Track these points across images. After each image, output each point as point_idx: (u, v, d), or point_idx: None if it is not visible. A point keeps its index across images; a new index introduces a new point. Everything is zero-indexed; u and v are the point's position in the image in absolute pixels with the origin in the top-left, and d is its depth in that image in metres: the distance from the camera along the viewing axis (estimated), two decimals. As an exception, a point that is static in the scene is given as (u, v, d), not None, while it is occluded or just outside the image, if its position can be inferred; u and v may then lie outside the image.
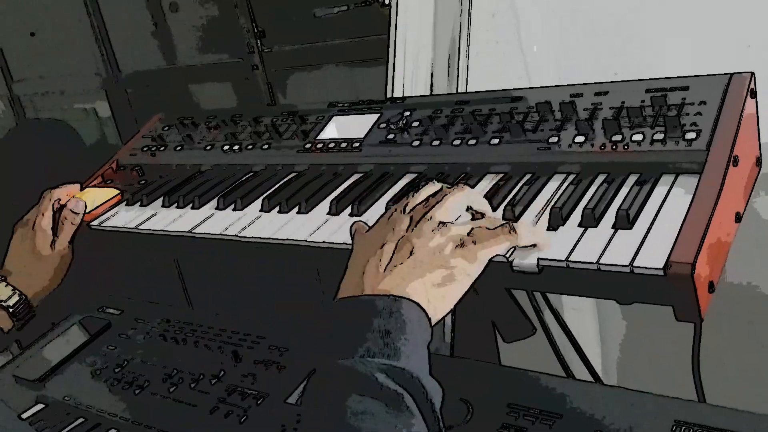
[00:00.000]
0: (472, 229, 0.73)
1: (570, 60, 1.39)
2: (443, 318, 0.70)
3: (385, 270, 0.69)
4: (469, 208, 0.79)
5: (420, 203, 0.76)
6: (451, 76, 1.37)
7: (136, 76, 2.54)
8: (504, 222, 0.75)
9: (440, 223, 0.72)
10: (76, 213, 1.25)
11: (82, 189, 1.36)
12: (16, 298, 1.21)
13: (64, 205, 1.27)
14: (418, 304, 0.67)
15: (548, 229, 0.83)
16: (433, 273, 0.69)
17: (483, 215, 0.80)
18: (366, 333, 0.64)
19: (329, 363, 0.64)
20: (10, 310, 1.20)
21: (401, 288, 0.67)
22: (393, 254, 0.70)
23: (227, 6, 2.15)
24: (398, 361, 0.63)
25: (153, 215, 1.20)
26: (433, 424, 0.62)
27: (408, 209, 0.75)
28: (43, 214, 1.25)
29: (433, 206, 0.74)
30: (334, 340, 0.66)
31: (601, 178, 0.91)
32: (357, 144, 1.15)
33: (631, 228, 0.78)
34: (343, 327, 0.66)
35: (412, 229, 0.72)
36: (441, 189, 0.78)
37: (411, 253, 0.69)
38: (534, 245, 0.76)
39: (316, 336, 0.71)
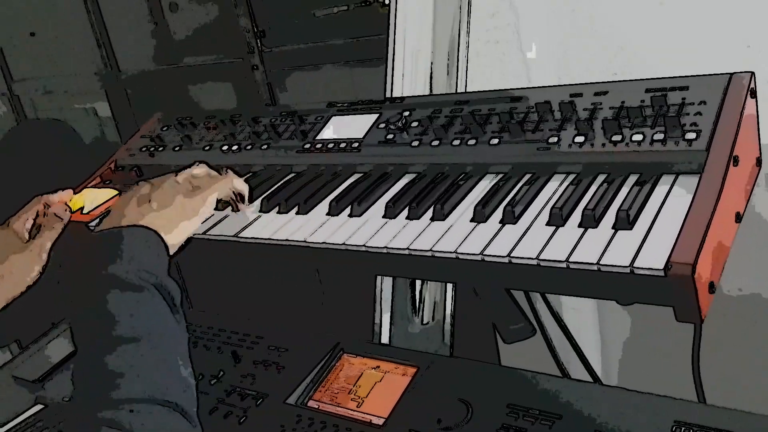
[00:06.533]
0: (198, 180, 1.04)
1: (570, 60, 1.39)
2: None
3: (130, 213, 0.95)
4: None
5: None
6: (450, 76, 1.37)
7: (136, 76, 2.53)
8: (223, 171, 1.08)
9: (174, 181, 1.02)
10: (59, 218, 1.20)
11: (80, 190, 1.35)
12: None
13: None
14: (156, 232, 0.92)
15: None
16: (170, 213, 0.97)
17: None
18: (118, 251, 0.87)
19: (91, 272, 0.86)
20: None
21: (144, 222, 0.93)
22: (138, 202, 0.97)
23: (227, 6, 2.14)
24: (140, 269, 0.85)
25: (152, 215, 1.19)
26: (174, 310, 0.85)
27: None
28: (19, 216, 1.19)
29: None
30: (96, 259, 0.87)
31: (601, 178, 0.91)
32: (356, 144, 1.15)
33: (631, 228, 0.78)
34: (102, 249, 0.89)
35: (155, 186, 1.01)
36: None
37: (150, 201, 0.97)
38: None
39: (81, 254, 0.92)
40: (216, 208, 1.05)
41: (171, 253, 0.94)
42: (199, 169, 1.07)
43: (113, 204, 1.03)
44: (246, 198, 1.10)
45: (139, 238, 0.91)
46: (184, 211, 0.99)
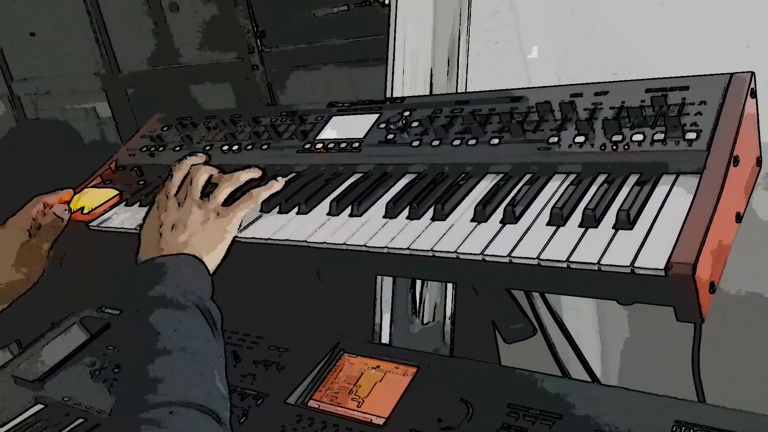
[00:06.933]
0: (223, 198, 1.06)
1: (570, 60, 1.39)
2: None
3: (168, 241, 0.99)
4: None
5: (179, 187, 1.07)
6: (450, 76, 1.37)
7: (136, 76, 2.53)
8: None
9: (201, 199, 1.05)
10: (59, 218, 1.20)
11: (80, 190, 1.35)
12: None
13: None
14: (197, 257, 0.97)
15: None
16: (204, 236, 1.00)
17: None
18: (163, 277, 0.92)
19: (139, 294, 0.91)
20: None
21: (184, 249, 0.97)
22: (171, 230, 1.00)
23: (227, 6, 2.14)
24: (185, 291, 0.90)
25: (153, 215, 1.19)
26: (215, 330, 0.90)
27: (171, 194, 1.06)
28: (20, 216, 1.19)
29: (189, 186, 1.06)
30: (145, 282, 0.92)
31: (601, 178, 0.91)
32: (356, 144, 1.15)
33: (631, 228, 0.78)
34: (146, 277, 0.93)
35: (181, 210, 1.03)
36: (188, 171, 1.09)
37: (185, 226, 1.00)
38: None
39: (126, 289, 0.97)
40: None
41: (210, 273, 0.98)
42: (202, 177, 1.08)
43: (143, 230, 1.05)
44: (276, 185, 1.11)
45: (187, 266, 0.96)
46: (219, 232, 1.02)
